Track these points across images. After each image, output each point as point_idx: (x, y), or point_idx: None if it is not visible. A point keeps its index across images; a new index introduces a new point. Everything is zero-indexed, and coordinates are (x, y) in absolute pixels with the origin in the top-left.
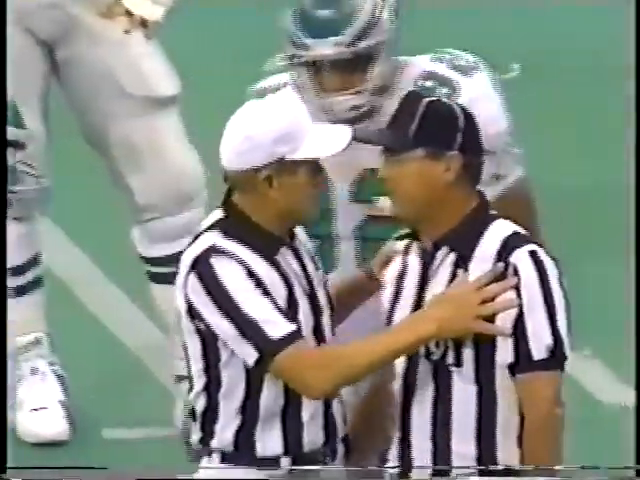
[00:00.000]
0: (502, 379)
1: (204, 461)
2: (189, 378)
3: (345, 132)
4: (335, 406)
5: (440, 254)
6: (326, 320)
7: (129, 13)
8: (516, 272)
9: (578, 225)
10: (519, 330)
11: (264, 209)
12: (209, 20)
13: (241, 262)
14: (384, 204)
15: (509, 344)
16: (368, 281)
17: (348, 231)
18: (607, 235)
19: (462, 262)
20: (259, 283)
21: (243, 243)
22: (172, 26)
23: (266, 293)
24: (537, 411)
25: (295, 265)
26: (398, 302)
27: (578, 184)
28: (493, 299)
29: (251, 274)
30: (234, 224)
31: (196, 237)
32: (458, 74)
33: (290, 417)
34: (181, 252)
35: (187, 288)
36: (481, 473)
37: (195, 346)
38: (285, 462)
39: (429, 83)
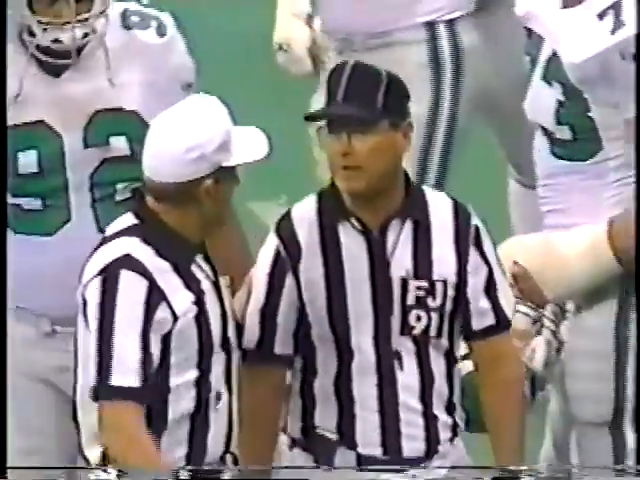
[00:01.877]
0: (457, 347)
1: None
2: (74, 375)
3: (255, 131)
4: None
5: (394, 226)
6: (231, 327)
7: None
8: (478, 234)
9: None
10: (492, 292)
11: (191, 218)
12: None
13: (150, 279)
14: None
15: (487, 308)
16: None
17: (84, 179)
18: None
19: (421, 229)
20: (149, 314)
21: (159, 254)
22: None
23: (146, 330)
24: (516, 367)
25: (209, 271)
26: (343, 287)
27: None
28: None
29: (151, 296)
30: (153, 232)
31: (108, 239)
32: (154, 10)
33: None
34: None
35: (86, 289)
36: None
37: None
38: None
39: (136, 18)
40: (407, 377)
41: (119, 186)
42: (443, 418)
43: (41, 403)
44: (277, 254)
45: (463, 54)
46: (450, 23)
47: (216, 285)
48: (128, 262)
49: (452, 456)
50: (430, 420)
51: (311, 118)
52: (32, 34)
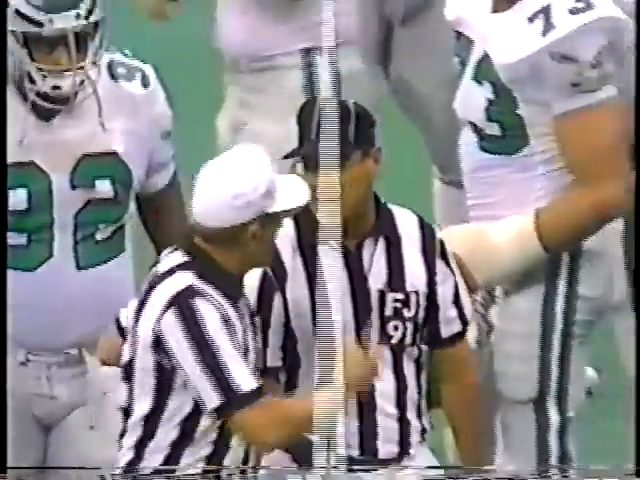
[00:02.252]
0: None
1: None
2: (129, 403)
3: (297, 179)
4: None
5: (368, 244)
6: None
7: None
8: (442, 247)
9: None
10: (458, 301)
11: (236, 257)
12: None
13: (218, 307)
14: None
15: (454, 316)
16: None
17: (68, 218)
18: None
19: (392, 245)
20: (231, 332)
21: (215, 287)
22: None
23: (237, 343)
24: (474, 372)
25: (249, 306)
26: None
27: None
28: None
29: (225, 320)
30: (205, 268)
31: (163, 275)
32: (137, 61)
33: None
34: None
35: (161, 323)
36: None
37: (149, 378)
38: None
39: (122, 70)
40: (384, 384)
41: (100, 226)
42: (414, 423)
43: (15, 426)
44: (264, 275)
45: (339, 80)
46: (329, 50)
47: (252, 320)
48: (194, 291)
49: (420, 459)
50: (404, 424)
51: (288, 157)
52: (32, 81)
